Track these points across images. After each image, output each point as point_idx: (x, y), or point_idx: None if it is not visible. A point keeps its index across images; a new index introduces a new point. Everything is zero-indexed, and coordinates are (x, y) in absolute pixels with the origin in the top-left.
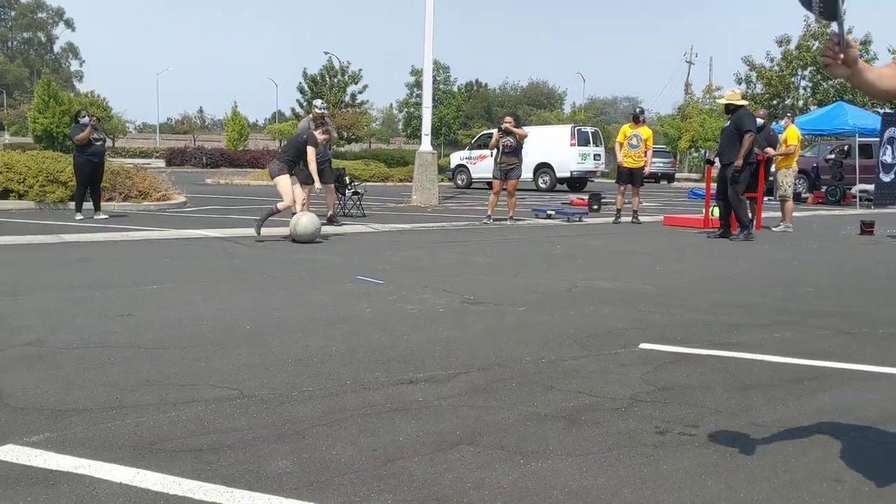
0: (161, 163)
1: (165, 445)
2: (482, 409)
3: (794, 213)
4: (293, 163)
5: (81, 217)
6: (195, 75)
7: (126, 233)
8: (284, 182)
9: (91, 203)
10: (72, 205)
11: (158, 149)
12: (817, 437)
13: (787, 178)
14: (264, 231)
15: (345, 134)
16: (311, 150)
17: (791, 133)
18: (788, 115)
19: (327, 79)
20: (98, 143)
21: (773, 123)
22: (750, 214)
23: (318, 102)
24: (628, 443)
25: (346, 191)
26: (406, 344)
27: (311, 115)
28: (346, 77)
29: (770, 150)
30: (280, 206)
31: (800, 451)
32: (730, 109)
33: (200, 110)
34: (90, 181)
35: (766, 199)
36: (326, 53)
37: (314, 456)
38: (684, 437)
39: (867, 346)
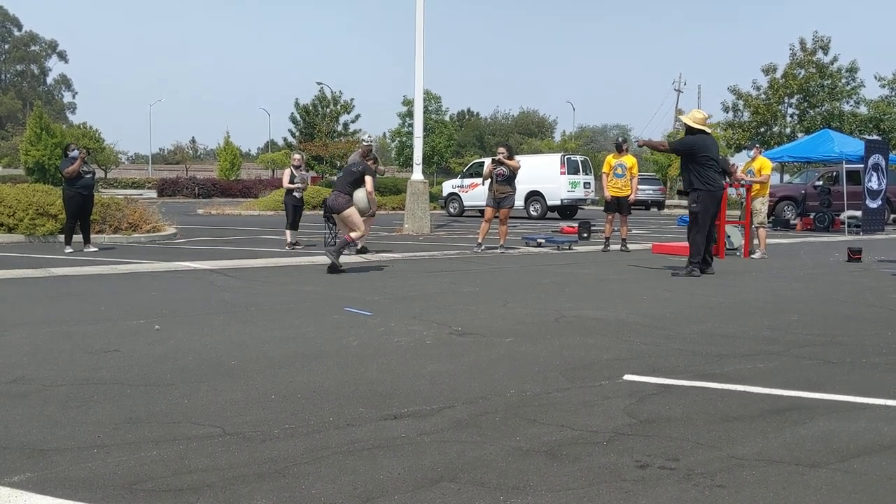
0: (153, 193)
1: (146, 485)
2: (465, 445)
3: (784, 241)
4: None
5: (71, 250)
6: (188, 106)
7: (115, 266)
8: (354, 213)
9: (81, 236)
10: (61, 238)
11: (151, 179)
12: (798, 469)
13: (763, 206)
14: (255, 262)
15: (337, 163)
16: (369, 179)
17: (764, 163)
18: (757, 145)
19: (319, 108)
20: (88, 176)
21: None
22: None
23: (366, 136)
24: (608, 477)
25: None
26: (392, 378)
27: (360, 150)
28: (338, 107)
29: (742, 176)
30: (354, 235)
31: (779, 486)
32: (690, 132)
33: (193, 140)
34: (80, 214)
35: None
36: (319, 83)
37: (294, 495)
38: (664, 472)
39: (851, 375)
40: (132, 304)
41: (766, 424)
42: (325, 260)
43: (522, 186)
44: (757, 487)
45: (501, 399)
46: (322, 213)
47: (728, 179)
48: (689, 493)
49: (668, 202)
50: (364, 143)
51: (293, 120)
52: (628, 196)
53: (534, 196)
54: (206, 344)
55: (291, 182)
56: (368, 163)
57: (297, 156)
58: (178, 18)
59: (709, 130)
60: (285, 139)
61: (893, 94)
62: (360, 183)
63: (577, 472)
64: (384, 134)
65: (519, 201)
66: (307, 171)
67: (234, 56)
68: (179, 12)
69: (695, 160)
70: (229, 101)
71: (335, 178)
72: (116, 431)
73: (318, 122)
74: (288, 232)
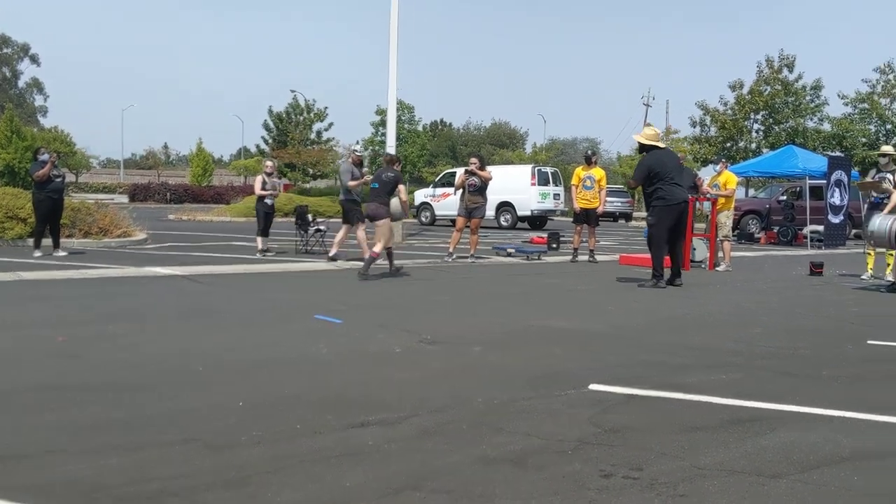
0: (124, 198)
1: (106, 493)
2: (431, 453)
3: (748, 254)
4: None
5: (40, 254)
6: (161, 111)
7: (84, 270)
8: (388, 223)
9: (51, 240)
10: (31, 241)
11: (122, 184)
12: (759, 480)
13: (728, 220)
14: (225, 268)
15: (310, 171)
16: (402, 188)
17: (729, 177)
18: (723, 160)
19: (293, 116)
20: (58, 180)
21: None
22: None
23: (357, 147)
24: (573, 486)
25: (309, 228)
26: (360, 386)
27: (350, 158)
28: (311, 115)
29: (708, 189)
30: (377, 249)
31: (740, 496)
32: (643, 149)
33: (165, 146)
34: (50, 218)
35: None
36: (293, 91)
37: (258, 503)
38: (628, 481)
39: (812, 387)
40: (100, 309)
41: (728, 435)
42: (296, 267)
43: (493, 197)
44: (718, 497)
45: (468, 407)
46: (294, 220)
47: (695, 193)
48: (651, 503)
49: (635, 214)
50: (356, 153)
51: (266, 127)
52: (597, 208)
53: (504, 206)
54: (173, 350)
55: (263, 189)
56: (362, 170)
57: (269, 163)
58: (152, 23)
59: (662, 145)
60: (258, 146)
61: (856, 112)
62: (394, 192)
63: (541, 480)
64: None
65: (490, 211)
66: (279, 178)
67: (208, 62)
68: (154, 17)
69: (653, 178)
70: (202, 108)
71: (338, 183)
72: (78, 438)
73: (292, 129)
74: (259, 238)
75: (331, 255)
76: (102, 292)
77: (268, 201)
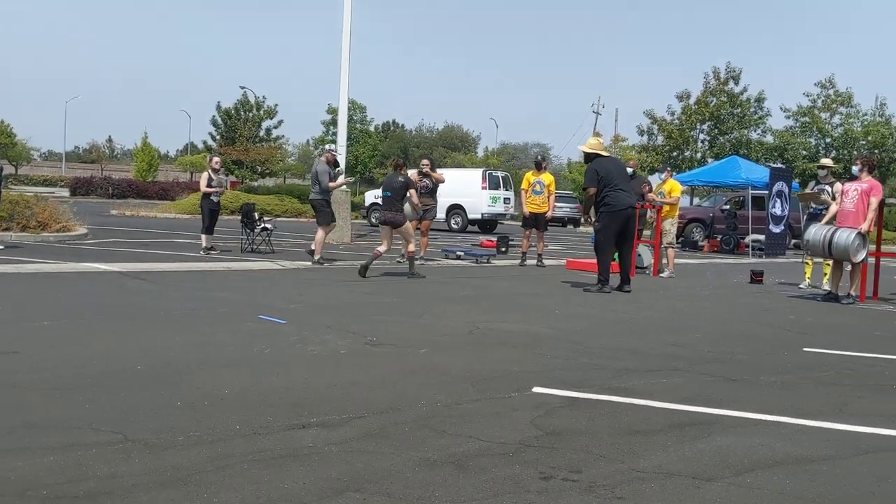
0: (65, 192)
1: (39, 492)
2: (373, 455)
3: (691, 261)
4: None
5: None
6: (105, 104)
7: (20, 265)
8: (409, 225)
9: None
10: None
11: (64, 177)
12: (695, 482)
13: (672, 227)
14: (168, 265)
15: (258, 168)
16: (413, 192)
17: (674, 186)
18: (668, 169)
19: (242, 113)
20: None
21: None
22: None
23: (332, 147)
24: (512, 489)
25: (255, 226)
26: (303, 387)
27: (325, 157)
28: (261, 112)
29: (653, 197)
30: (411, 248)
31: (676, 498)
32: (588, 158)
33: (109, 139)
34: None
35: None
36: (242, 88)
37: None
38: (567, 483)
39: (748, 393)
40: (36, 305)
41: (666, 438)
42: (241, 266)
43: (444, 199)
44: (655, 499)
45: (412, 410)
46: (240, 218)
47: (641, 200)
48: None
49: (583, 218)
50: (330, 152)
51: (214, 123)
52: (545, 212)
53: (455, 209)
54: (112, 348)
55: (209, 185)
56: (335, 170)
57: (216, 159)
58: (98, 14)
59: (605, 153)
60: (205, 142)
61: (797, 125)
62: (406, 196)
63: (482, 483)
64: (308, 141)
65: (440, 214)
66: (226, 175)
67: (156, 55)
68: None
69: (599, 183)
70: (149, 101)
71: (307, 181)
72: (11, 436)
73: (240, 126)
74: (203, 236)
75: (315, 258)
76: (39, 288)
77: (213, 198)
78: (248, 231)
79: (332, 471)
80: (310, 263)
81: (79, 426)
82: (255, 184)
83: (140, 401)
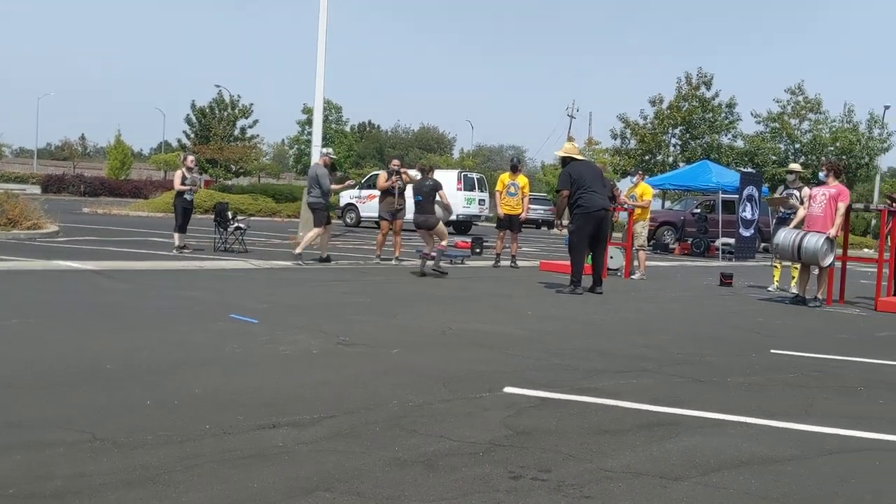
0: (37, 189)
1: (5, 491)
2: (343, 455)
3: (662, 264)
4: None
5: None
6: (79, 101)
7: None
8: (442, 225)
9: None
10: None
11: (35, 175)
12: (662, 482)
13: (644, 230)
14: (140, 264)
15: (233, 167)
16: (443, 193)
17: (646, 189)
18: (640, 172)
19: (217, 111)
20: None
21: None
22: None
23: (325, 150)
24: (482, 488)
25: (228, 225)
26: (274, 387)
27: (322, 161)
28: (236, 111)
29: (625, 200)
30: (444, 243)
31: (644, 497)
32: (565, 162)
33: (82, 137)
34: None
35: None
36: (218, 86)
37: (164, 503)
38: (536, 482)
39: (716, 394)
40: (6, 304)
41: (635, 438)
42: (213, 265)
43: None
44: (623, 499)
45: (383, 410)
46: (213, 217)
47: (612, 203)
48: None
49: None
50: (328, 156)
51: (188, 121)
52: (520, 214)
53: None
54: (82, 347)
55: (183, 184)
56: (335, 173)
57: (190, 157)
58: (72, 10)
59: (580, 157)
60: (179, 141)
61: (768, 130)
62: (435, 199)
63: (451, 482)
64: (283, 141)
65: None
66: (200, 173)
67: (131, 53)
68: (74, 4)
69: (572, 186)
70: (123, 99)
71: (303, 184)
72: None
73: (215, 125)
74: (176, 235)
75: (322, 256)
76: (7, 286)
77: (187, 197)
78: (222, 230)
79: (302, 470)
80: (289, 263)
81: (46, 425)
82: (230, 183)
83: (109, 400)
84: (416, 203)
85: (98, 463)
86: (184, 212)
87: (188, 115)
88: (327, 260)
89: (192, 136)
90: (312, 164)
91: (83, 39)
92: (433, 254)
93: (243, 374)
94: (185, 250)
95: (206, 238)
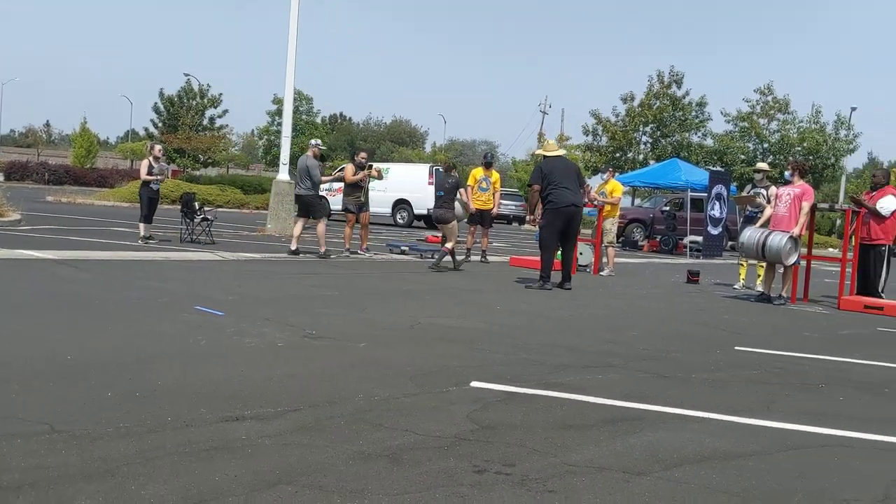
0: None
1: None
2: (307, 448)
3: (631, 260)
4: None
5: None
6: (44, 87)
7: None
8: (455, 224)
9: None
10: None
11: None
12: (625, 477)
13: (613, 227)
14: (104, 254)
15: (201, 157)
16: (463, 191)
17: (616, 186)
18: (610, 169)
19: (185, 101)
20: None
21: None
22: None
23: (315, 141)
24: (446, 482)
25: (195, 216)
26: (238, 379)
27: (311, 153)
28: (205, 100)
29: (595, 196)
30: (449, 246)
31: (606, 492)
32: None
33: (47, 124)
34: None
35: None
36: (186, 75)
37: (122, 496)
38: (500, 477)
39: (681, 390)
40: None
41: (599, 433)
42: (179, 256)
43: (391, 194)
44: (585, 493)
45: (349, 403)
46: (179, 207)
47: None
48: (521, 498)
49: (528, 217)
50: (318, 147)
51: (156, 110)
52: (491, 209)
53: (401, 204)
54: (42, 338)
55: (150, 173)
56: (324, 164)
57: (157, 146)
58: None
59: (559, 153)
60: (147, 129)
61: (737, 129)
62: (456, 196)
63: (416, 476)
64: (252, 131)
65: (386, 209)
66: (168, 163)
67: (98, 39)
68: None
69: (543, 181)
70: (89, 86)
71: (292, 176)
72: None
73: (183, 114)
74: (142, 225)
75: (292, 248)
76: None
77: (153, 186)
78: (188, 221)
79: (265, 464)
80: (257, 255)
81: (4, 417)
82: (198, 173)
83: (69, 392)
84: (437, 198)
85: (56, 455)
86: (150, 202)
87: (156, 103)
88: (296, 253)
89: (160, 125)
90: (302, 155)
91: (50, 25)
92: (446, 249)
93: (208, 366)
94: (151, 241)
95: (172, 229)
